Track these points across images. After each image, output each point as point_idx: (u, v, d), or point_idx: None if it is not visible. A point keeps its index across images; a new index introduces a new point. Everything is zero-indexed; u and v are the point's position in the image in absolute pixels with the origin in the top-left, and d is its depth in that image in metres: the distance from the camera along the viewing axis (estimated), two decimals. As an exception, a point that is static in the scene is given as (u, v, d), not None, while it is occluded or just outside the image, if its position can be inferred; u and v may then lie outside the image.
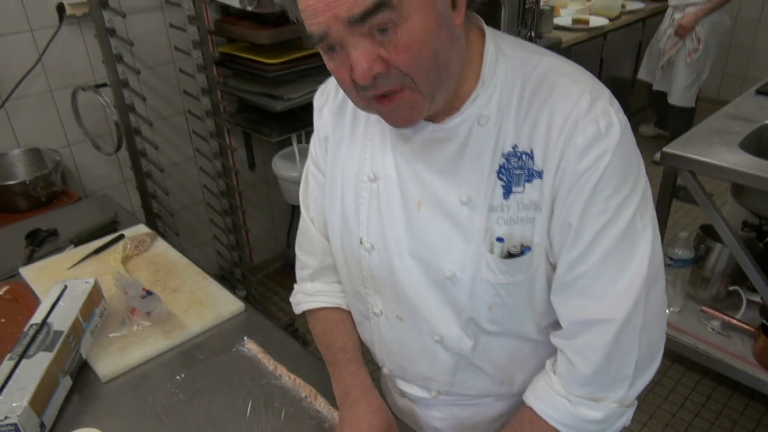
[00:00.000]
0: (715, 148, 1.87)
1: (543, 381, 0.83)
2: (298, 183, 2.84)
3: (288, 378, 1.05)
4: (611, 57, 3.77)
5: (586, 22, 3.50)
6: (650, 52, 3.75)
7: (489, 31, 0.78)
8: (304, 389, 1.03)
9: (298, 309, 1.06)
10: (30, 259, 1.43)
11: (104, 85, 2.08)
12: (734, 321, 2.19)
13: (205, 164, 2.59)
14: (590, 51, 3.55)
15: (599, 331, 0.76)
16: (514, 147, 0.75)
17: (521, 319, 0.84)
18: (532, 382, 0.86)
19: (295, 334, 2.53)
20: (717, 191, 3.32)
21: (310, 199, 1.00)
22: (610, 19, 3.64)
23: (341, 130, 0.90)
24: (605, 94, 0.74)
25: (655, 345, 0.80)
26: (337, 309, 1.03)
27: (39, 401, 0.94)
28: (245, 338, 1.15)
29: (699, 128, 2.06)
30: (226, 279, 2.79)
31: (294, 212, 3.07)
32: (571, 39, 3.28)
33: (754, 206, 2.09)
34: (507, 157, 0.76)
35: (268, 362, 1.09)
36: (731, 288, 2.26)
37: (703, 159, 1.84)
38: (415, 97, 0.70)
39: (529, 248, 0.78)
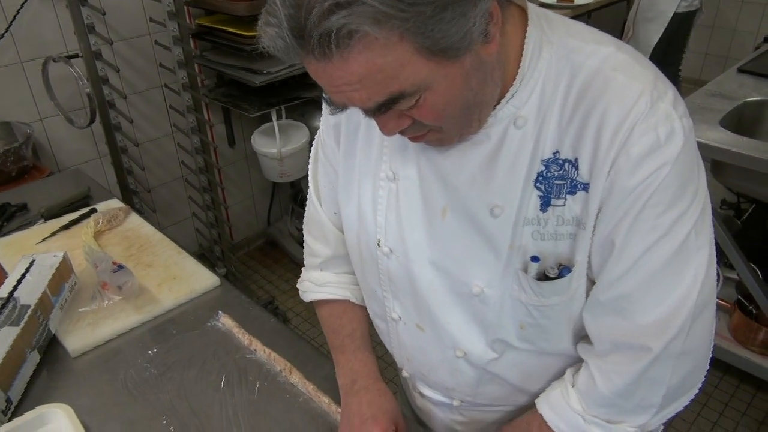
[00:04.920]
0: (695, 126, 1.86)
1: (559, 391, 0.78)
2: (277, 159, 2.76)
3: (263, 352, 1.04)
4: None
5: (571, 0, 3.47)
6: None
7: (533, 14, 0.66)
8: (279, 363, 1.01)
9: (305, 297, 1.00)
10: (-2, 234, 1.40)
11: (76, 56, 2.01)
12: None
13: (182, 140, 2.53)
14: (574, 29, 3.50)
15: (631, 355, 0.70)
16: (555, 153, 0.66)
17: (556, 338, 0.77)
18: (548, 388, 0.81)
19: (275, 312, 2.51)
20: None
21: (320, 185, 0.91)
22: (595, -3, 3.61)
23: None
24: (668, 93, 0.63)
25: (692, 376, 0.72)
26: (346, 302, 0.96)
27: (5, 376, 0.92)
28: (220, 313, 1.13)
29: (680, 106, 2.05)
30: (205, 257, 2.76)
31: (275, 189, 3.03)
32: (556, 16, 3.25)
33: (732, 183, 2.11)
34: (546, 164, 0.66)
35: (243, 336, 1.07)
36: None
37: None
38: (443, 135, 0.66)
39: (567, 269, 0.70)
